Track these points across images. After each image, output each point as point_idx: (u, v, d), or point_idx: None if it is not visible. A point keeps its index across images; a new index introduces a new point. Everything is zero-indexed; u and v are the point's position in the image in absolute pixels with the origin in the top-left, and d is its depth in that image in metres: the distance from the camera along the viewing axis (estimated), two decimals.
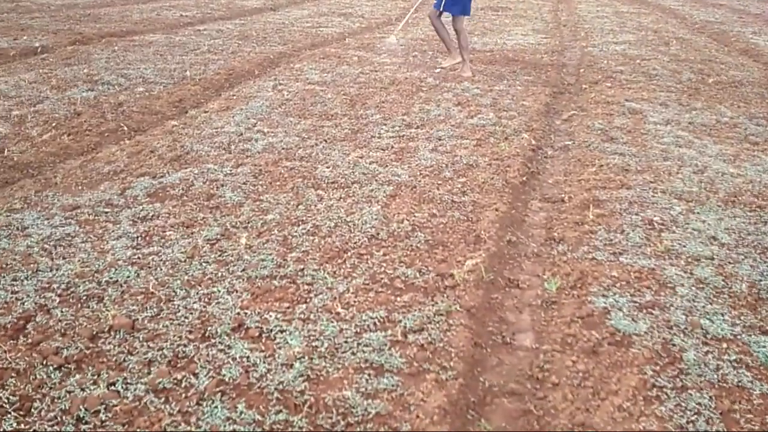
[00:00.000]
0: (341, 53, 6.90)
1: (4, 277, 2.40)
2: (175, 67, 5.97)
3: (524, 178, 3.74)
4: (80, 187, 3.32)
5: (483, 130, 4.52)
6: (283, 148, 3.98)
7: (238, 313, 2.24)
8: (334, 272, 2.56)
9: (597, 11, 11.73)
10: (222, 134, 4.21)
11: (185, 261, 2.59)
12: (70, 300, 2.28)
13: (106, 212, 3.01)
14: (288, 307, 2.29)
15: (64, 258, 2.57)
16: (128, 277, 2.44)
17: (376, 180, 3.53)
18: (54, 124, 4.31)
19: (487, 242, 2.87)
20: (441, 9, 5.97)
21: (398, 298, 2.38)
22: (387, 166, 3.76)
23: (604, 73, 6.47)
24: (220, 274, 2.51)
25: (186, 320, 2.19)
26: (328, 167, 3.70)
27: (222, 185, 3.38)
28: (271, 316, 2.23)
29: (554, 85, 5.96)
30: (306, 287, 2.44)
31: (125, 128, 4.41)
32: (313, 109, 4.86)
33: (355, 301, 2.34)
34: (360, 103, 5.07)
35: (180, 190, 3.29)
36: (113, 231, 2.82)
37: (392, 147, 4.10)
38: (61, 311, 2.21)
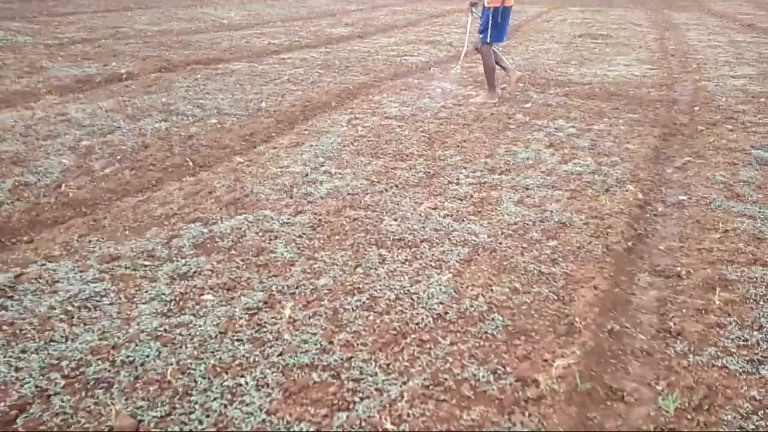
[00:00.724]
0: (424, 84, 6.50)
1: (13, 347, 2.11)
2: (252, 97, 5.79)
3: (630, 244, 3.11)
4: (127, 233, 3.06)
5: (579, 179, 3.92)
6: (348, 194, 3.59)
7: (263, 421, 1.81)
8: (388, 365, 2.08)
9: (709, 40, 10.68)
10: (286, 174, 3.88)
11: (216, 337, 2.22)
12: (76, 384, 1.94)
13: (146, 266, 2.71)
14: (325, 416, 1.84)
15: (84, 324, 2.26)
16: (147, 356, 2.09)
17: (449, 239, 3.04)
18: (119, 157, 4.17)
19: (583, 333, 2.30)
20: (488, 41, 5.57)
21: (464, 414, 1.87)
22: (463, 220, 3.26)
23: (723, 112, 5.64)
24: (252, 358, 2.10)
25: (199, 427, 1.78)
26: (395, 219, 3.25)
27: (275, 237, 3.01)
28: (302, 428, 1.78)
29: (664, 125, 5.23)
30: (351, 385, 1.98)
31: (190, 163, 4.19)
32: (387, 147, 4.46)
33: (409, 414, 1.85)
34: (439, 141, 4.61)
35: (230, 241, 2.96)
36: (147, 291, 2.51)
37: (471, 196, 3.60)
38: (62, 400, 1.87)
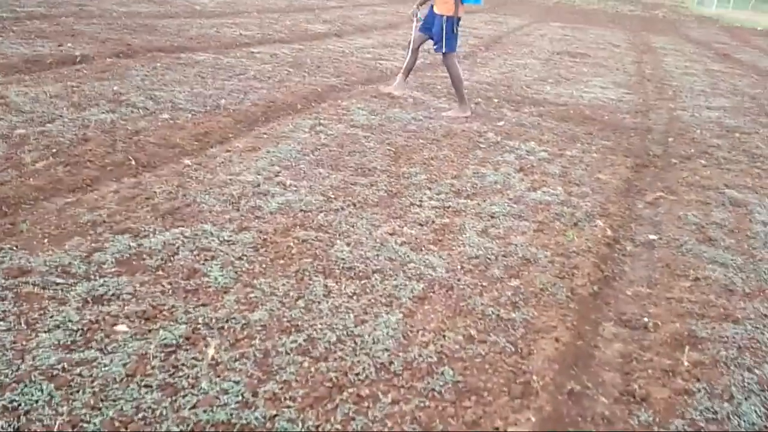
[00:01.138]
0: (397, 94, 6.24)
1: None
2: (212, 93, 5.45)
3: (596, 288, 2.91)
4: (45, 241, 2.72)
5: (547, 209, 3.72)
6: (301, 210, 3.31)
7: None
8: (317, 428, 1.82)
9: (685, 67, 10.70)
10: (236, 183, 3.57)
11: (122, 380, 1.92)
12: None
13: (57, 284, 2.39)
14: None
15: None
16: (36, 401, 1.78)
17: (404, 271, 2.79)
18: (54, 150, 3.80)
19: (540, 395, 2.07)
20: (454, 50, 5.53)
21: None
22: (421, 250, 3.02)
23: (698, 146, 5.54)
24: (160, 411, 1.81)
25: None
26: (348, 244, 2.99)
27: (212, 258, 2.71)
28: None
29: (637, 156, 5.09)
30: None
31: (133, 162, 3.85)
32: (349, 159, 4.19)
33: None
34: (405, 156, 4.37)
35: (159, 259, 2.65)
36: (52, 316, 2.19)
37: (433, 222, 3.36)
38: None
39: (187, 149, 4.20)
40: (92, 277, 2.47)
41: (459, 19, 5.45)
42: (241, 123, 4.84)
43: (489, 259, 3.01)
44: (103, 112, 4.57)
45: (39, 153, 3.73)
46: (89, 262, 2.57)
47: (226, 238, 2.90)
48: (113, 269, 2.54)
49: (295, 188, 3.60)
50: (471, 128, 5.24)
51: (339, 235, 3.08)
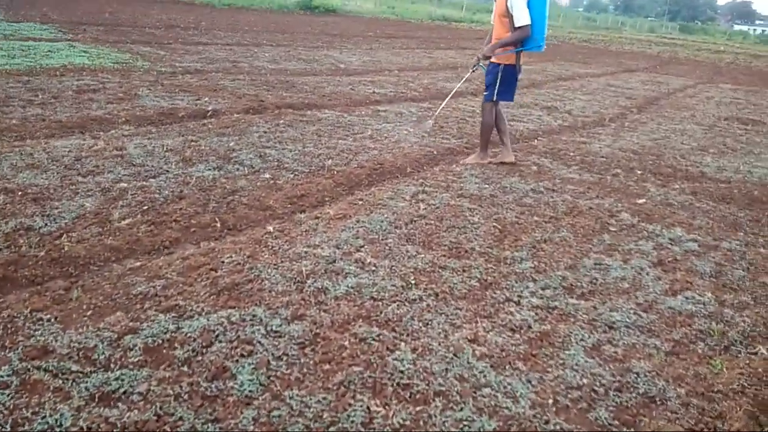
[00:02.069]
0: (520, 159, 5.65)
1: None
2: (322, 152, 5.28)
3: None
4: (88, 314, 2.53)
5: (689, 323, 2.89)
6: (371, 297, 2.85)
7: None
8: None
9: None
10: (310, 257, 3.22)
11: None
12: None
13: (71, 373, 2.13)
14: None
15: None
16: None
17: (474, 398, 2.19)
18: (146, 208, 3.75)
19: None
20: (494, 99, 5.01)
21: None
22: (505, 368, 2.39)
23: None
24: None
25: None
26: (414, 350, 2.45)
27: (249, 353, 2.33)
28: None
29: None
30: None
31: (218, 225, 3.68)
32: (445, 236, 3.67)
33: None
34: (512, 237, 3.75)
35: (190, 350, 2.32)
36: (44, 417, 1.92)
37: (529, 328, 2.72)
38: None
39: (278, 213, 3.97)
40: (112, 366, 2.19)
41: (519, 68, 4.99)
42: (341, 186, 4.56)
43: (596, 392, 2.30)
44: (209, 169, 4.54)
45: (129, 209, 3.70)
46: (117, 346, 2.31)
47: (274, 328, 2.52)
48: (138, 358, 2.25)
49: (373, 268, 3.16)
50: (601, 205, 4.48)
51: (406, 335, 2.57)
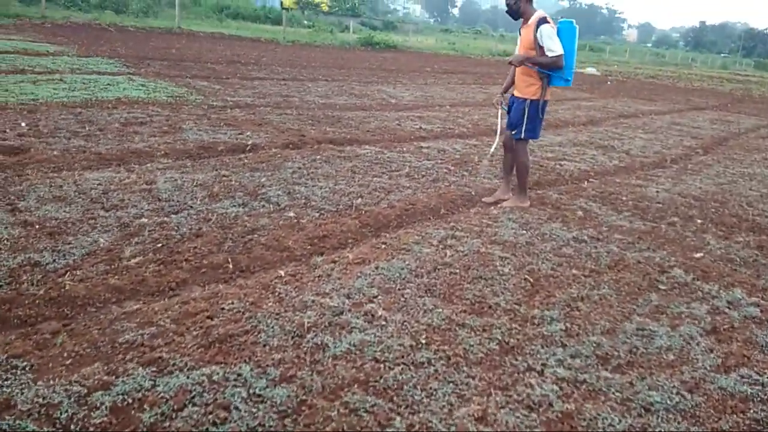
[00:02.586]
0: (565, 202, 5.27)
1: None
2: (353, 190, 5.09)
3: None
4: (66, 363, 2.38)
5: (741, 409, 2.45)
6: (373, 359, 2.57)
7: None
8: None
9: None
10: (315, 307, 2.99)
11: None
12: None
13: None
14: None
15: None
16: None
17: None
18: (160, 245, 3.64)
19: None
20: (522, 137, 4.79)
21: None
22: None
23: None
24: None
25: None
26: (410, 426, 2.15)
27: (222, 421, 2.10)
28: None
29: None
30: None
31: (230, 266, 3.52)
32: (469, 288, 3.36)
33: None
34: (544, 292, 3.40)
35: (159, 414, 2.11)
36: None
37: (549, 406, 2.36)
38: None
39: (295, 254, 3.78)
40: (72, 427, 2.01)
41: (546, 102, 4.70)
42: (367, 227, 4.33)
43: None
44: (234, 206, 4.43)
45: (142, 247, 3.59)
46: (84, 403, 2.13)
47: (257, 391, 2.28)
48: (102, 419, 2.06)
49: (382, 323, 2.89)
50: (651, 259, 4.04)
51: (405, 407, 2.27)
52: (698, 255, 4.21)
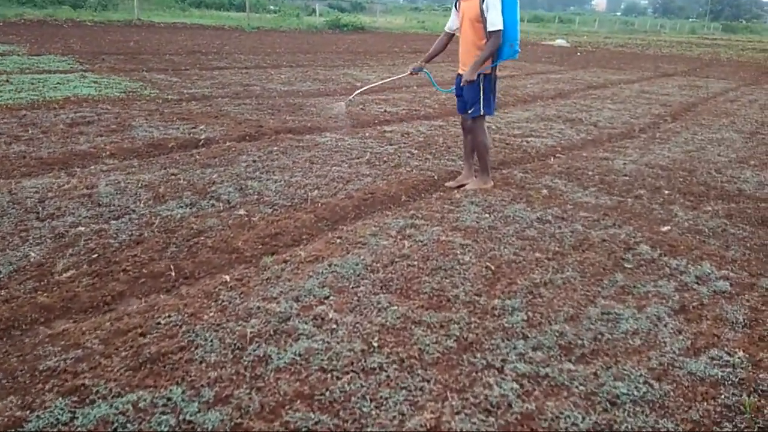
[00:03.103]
0: (530, 181, 5.10)
1: None
2: (310, 182, 4.87)
3: None
4: None
5: (712, 395, 2.32)
6: (317, 369, 2.38)
7: None
8: None
9: None
10: (261, 314, 2.79)
11: None
12: None
13: None
14: None
15: None
16: None
17: None
18: (96, 256, 3.40)
19: None
20: (482, 113, 4.59)
21: None
22: None
23: None
24: None
25: None
26: None
27: None
28: None
29: None
30: None
31: (172, 274, 3.29)
32: (427, 281, 3.18)
33: None
34: (506, 280, 3.23)
35: None
36: None
37: (509, 407, 2.20)
38: None
39: (244, 256, 3.56)
40: None
41: (496, 77, 4.59)
42: (323, 221, 4.13)
43: None
44: (180, 206, 4.18)
45: (77, 259, 3.35)
46: None
47: (188, 416, 2.08)
48: None
49: (333, 326, 2.70)
50: (617, 236, 3.90)
51: (351, 422, 2.09)
52: (665, 228, 4.08)
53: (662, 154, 6.39)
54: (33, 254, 3.36)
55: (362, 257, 3.45)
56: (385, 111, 8.48)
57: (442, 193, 4.74)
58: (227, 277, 3.20)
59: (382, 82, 4.99)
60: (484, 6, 4.26)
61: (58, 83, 8.91)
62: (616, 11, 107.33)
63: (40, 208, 4.01)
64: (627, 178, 5.32)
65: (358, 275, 3.24)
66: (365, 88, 4.95)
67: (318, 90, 10.27)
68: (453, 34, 4.72)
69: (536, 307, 2.95)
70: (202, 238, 3.72)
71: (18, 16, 21.91)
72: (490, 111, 4.62)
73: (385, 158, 5.71)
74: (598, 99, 10.87)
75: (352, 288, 3.09)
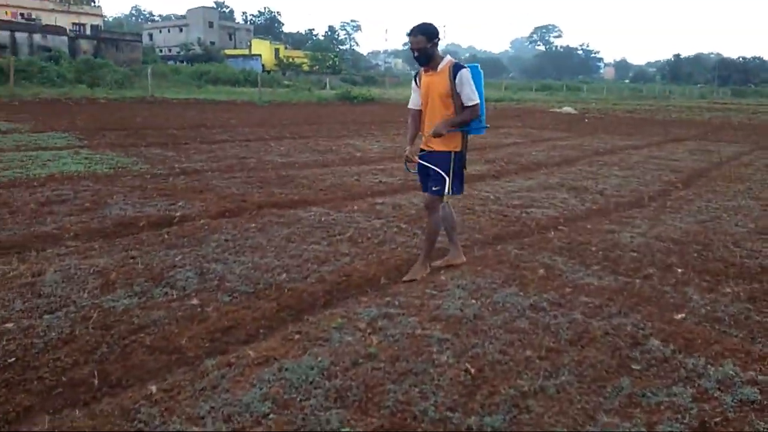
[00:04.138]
0: (526, 259, 4.60)
1: None
2: (282, 263, 4.42)
3: None
4: None
5: None
6: None
7: None
8: None
9: None
10: None
11: None
12: None
13: None
14: None
15: None
16: None
17: None
18: (12, 359, 2.93)
19: None
20: (449, 193, 4.15)
21: None
22: None
23: None
24: None
25: None
26: None
27: None
28: None
29: None
30: None
31: (95, 382, 2.80)
32: (393, 391, 2.65)
33: None
34: (487, 388, 2.69)
35: None
36: None
37: None
38: None
39: (186, 357, 3.07)
40: None
41: (466, 157, 4.25)
42: (285, 311, 3.64)
43: None
44: (128, 296, 3.74)
45: None
46: None
47: None
48: None
49: None
50: (622, 327, 3.35)
51: None
52: (679, 316, 3.52)
53: (674, 225, 5.88)
54: None
55: (320, 358, 2.94)
56: (380, 182, 8.15)
57: (432, 274, 4.25)
58: (154, 388, 2.70)
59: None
60: (457, 81, 3.97)
61: (48, 160, 8.75)
62: (625, 79, 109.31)
63: None
64: (635, 254, 4.80)
65: (311, 383, 2.72)
66: None
67: (315, 161, 10.04)
68: (420, 110, 4.32)
69: (522, 427, 2.40)
70: (142, 335, 3.25)
71: (34, 95, 22.50)
72: (459, 190, 4.24)
73: (369, 234, 5.28)
74: (605, 165, 10.49)
75: (300, 401, 2.57)
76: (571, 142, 14.51)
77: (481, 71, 4.11)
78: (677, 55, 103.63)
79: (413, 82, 4.32)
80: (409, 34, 4.04)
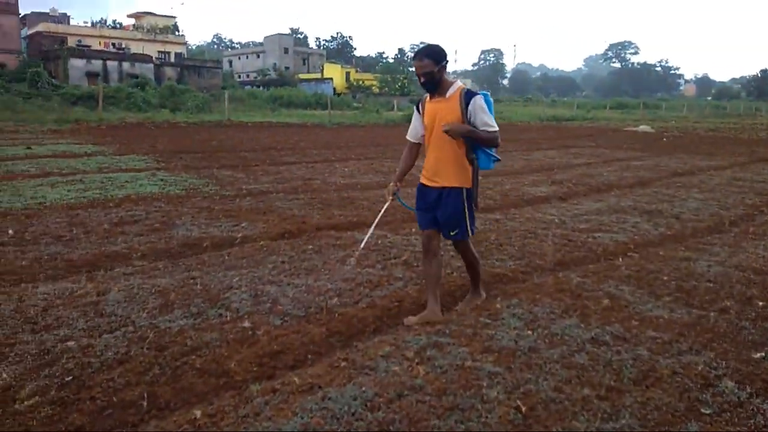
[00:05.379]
0: (589, 288, 4.35)
1: None
2: (334, 287, 4.41)
3: None
4: None
5: None
6: None
7: None
8: None
9: None
10: None
11: None
12: None
13: None
14: None
15: None
16: None
17: None
18: (69, 378, 3.04)
19: None
20: (472, 233, 3.87)
21: None
22: None
23: None
24: None
25: None
26: None
27: None
28: None
29: None
30: None
31: (144, 404, 2.85)
32: (437, 426, 2.53)
33: None
34: (539, 428, 2.52)
35: None
36: None
37: None
38: None
39: (234, 381, 3.08)
40: None
41: (475, 193, 3.84)
42: (335, 336, 3.60)
43: None
44: (184, 317, 3.82)
45: (48, 381, 3.00)
46: None
47: None
48: None
49: None
50: (693, 367, 3.08)
51: None
52: (758, 355, 3.20)
53: (756, 253, 5.42)
54: (5, 374, 3.05)
55: (364, 388, 2.87)
56: None
57: (488, 303, 4.09)
58: (198, 413, 2.71)
59: (377, 220, 4.12)
60: (471, 108, 3.63)
61: (126, 181, 9.23)
62: (707, 96, 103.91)
63: (40, 319, 3.78)
64: (711, 284, 4.44)
65: (353, 414, 2.65)
66: (371, 230, 4.14)
67: (377, 182, 10.06)
68: (419, 144, 4.00)
69: None
70: (193, 357, 3.29)
71: (120, 119, 24.01)
72: (474, 230, 3.90)
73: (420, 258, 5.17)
74: (682, 187, 9.91)
75: None
76: (647, 163, 13.85)
77: (491, 100, 3.75)
78: (764, 71, 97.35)
79: (415, 110, 3.97)
80: (413, 58, 3.71)
